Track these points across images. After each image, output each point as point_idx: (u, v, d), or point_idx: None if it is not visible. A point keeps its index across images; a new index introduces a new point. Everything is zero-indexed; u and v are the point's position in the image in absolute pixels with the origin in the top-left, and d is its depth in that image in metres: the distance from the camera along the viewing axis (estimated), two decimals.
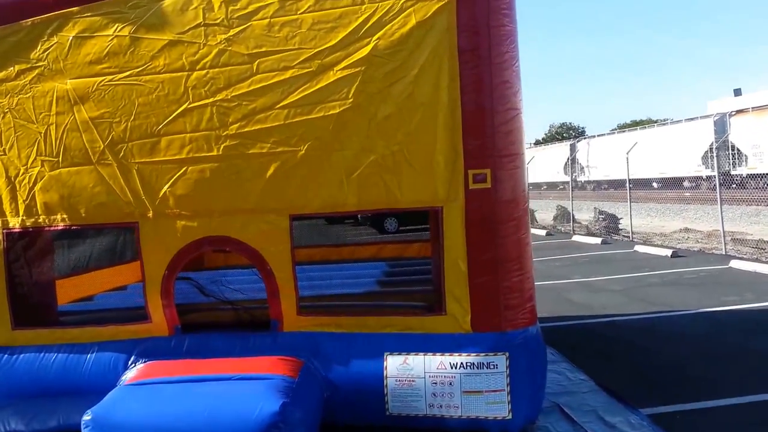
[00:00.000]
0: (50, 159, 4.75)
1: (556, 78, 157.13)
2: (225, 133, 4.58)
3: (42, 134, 4.74)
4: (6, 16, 4.80)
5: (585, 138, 46.46)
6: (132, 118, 4.66)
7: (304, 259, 4.83)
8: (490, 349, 4.38)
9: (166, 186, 4.64)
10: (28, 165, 4.77)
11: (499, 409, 4.35)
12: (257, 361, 4.42)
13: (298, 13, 4.54)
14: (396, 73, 4.45)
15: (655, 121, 47.44)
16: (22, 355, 4.77)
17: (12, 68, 4.79)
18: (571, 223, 19.69)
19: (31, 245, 4.90)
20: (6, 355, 4.78)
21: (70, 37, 4.73)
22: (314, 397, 4.31)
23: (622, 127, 53.52)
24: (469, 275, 4.43)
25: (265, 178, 4.55)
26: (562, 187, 39.28)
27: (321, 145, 4.52)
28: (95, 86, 4.70)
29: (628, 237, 16.57)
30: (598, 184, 37.59)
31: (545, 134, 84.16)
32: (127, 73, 4.67)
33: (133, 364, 4.64)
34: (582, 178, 39.40)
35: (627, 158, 17.63)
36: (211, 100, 4.59)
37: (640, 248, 14.53)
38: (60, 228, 4.77)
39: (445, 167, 4.44)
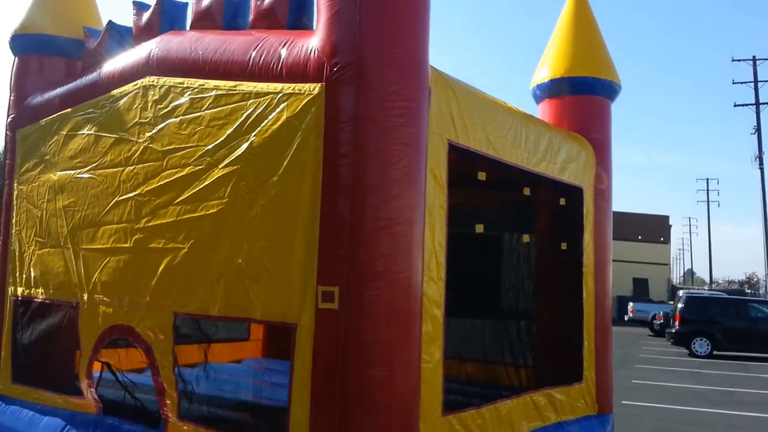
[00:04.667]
0: (40, 240, 5.46)
1: None
2: (137, 226, 4.72)
3: (38, 218, 5.49)
4: (30, 117, 5.73)
5: None
6: (85, 207, 5.11)
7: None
8: None
9: (97, 273, 4.95)
10: (29, 243, 5.56)
11: None
12: None
13: (202, 109, 4.50)
14: (265, 173, 4.09)
15: None
16: (11, 407, 5.50)
17: (31, 162, 5.67)
18: None
19: (27, 313, 5.63)
20: (2, 403, 5.57)
21: (63, 134, 5.42)
22: None
23: None
24: (310, 411, 3.75)
25: (158, 273, 4.55)
26: None
27: (200, 245, 4.36)
28: (69, 179, 5.29)
29: None
30: None
31: None
32: (89, 167, 5.16)
33: None
34: None
35: None
36: (132, 194, 4.80)
37: None
38: (39, 300, 5.43)
39: (301, 280, 3.87)
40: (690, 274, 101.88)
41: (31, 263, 5.52)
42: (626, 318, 34.88)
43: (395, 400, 3.76)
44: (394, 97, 3.84)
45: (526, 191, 5.44)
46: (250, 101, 4.23)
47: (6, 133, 5.90)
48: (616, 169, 6.71)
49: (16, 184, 5.76)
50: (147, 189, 4.71)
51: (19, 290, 5.63)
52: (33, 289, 5.49)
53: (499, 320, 5.99)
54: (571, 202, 6.02)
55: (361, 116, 3.80)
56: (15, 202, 5.75)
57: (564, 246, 5.95)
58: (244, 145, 4.20)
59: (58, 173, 5.39)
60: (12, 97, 5.97)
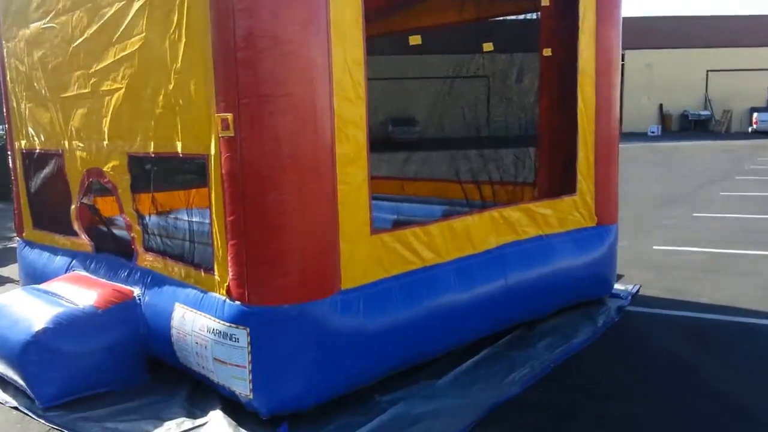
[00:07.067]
0: (29, 94, 5.75)
1: None
2: (91, 71, 4.84)
3: (24, 73, 5.75)
4: None
5: None
6: (55, 58, 5.28)
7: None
8: (233, 321, 3.85)
9: (71, 120, 5.19)
10: (22, 98, 5.87)
11: (241, 385, 3.87)
12: (102, 287, 4.80)
13: None
14: (168, 2, 3.98)
15: None
16: (35, 249, 6.12)
17: (10, 18, 5.85)
18: None
19: (32, 164, 6.05)
20: (28, 247, 6.21)
21: None
22: (115, 330, 4.51)
23: None
24: (226, 237, 3.87)
25: (110, 115, 4.70)
26: None
27: (133, 83, 4.43)
28: (38, 30, 5.43)
29: None
30: None
31: None
32: (49, 16, 5.25)
33: (69, 270, 5.51)
34: None
35: None
36: (82, 39, 4.88)
37: None
38: (37, 151, 5.82)
39: (207, 110, 3.86)
40: None
41: (26, 117, 5.87)
42: (750, 130, 31.59)
43: (305, 221, 3.78)
44: None
45: None
46: None
47: None
48: None
49: (3, 42, 6.01)
50: (90, 32, 4.76)
51: (23, 143, 6.05)
52: (31, 140, 5.88)
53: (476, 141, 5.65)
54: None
55: None
56: (6, 60, 6.04)
57: (548, 52, 5.46)
58: None
59: (31, 26, 5.54)
60: None
